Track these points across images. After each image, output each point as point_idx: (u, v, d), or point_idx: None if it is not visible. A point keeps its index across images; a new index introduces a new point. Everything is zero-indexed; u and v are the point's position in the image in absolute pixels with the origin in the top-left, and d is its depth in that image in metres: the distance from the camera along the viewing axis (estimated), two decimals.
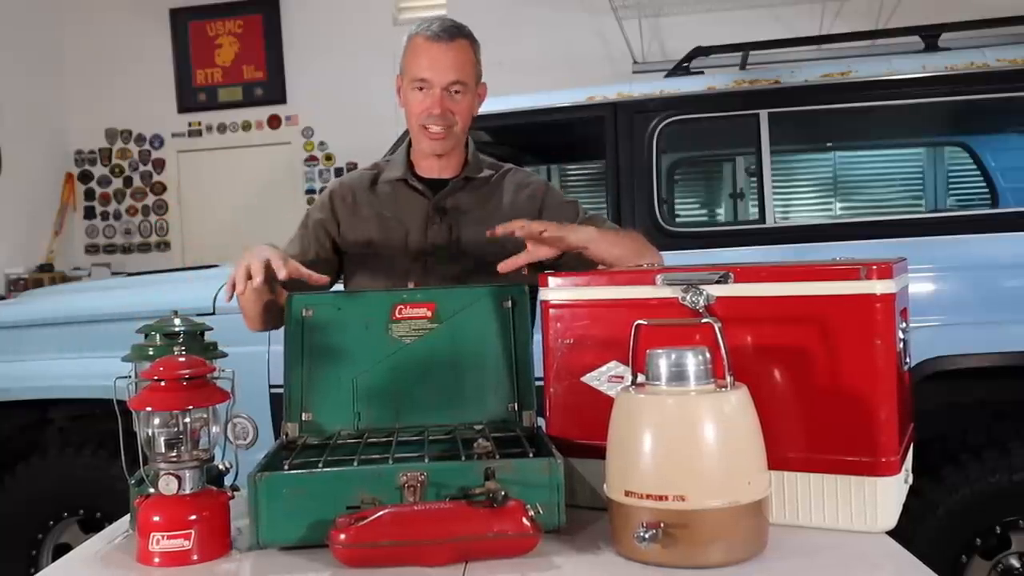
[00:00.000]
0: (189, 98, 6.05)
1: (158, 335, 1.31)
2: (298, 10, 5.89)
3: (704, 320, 1.15)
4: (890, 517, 1.13)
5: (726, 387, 1.06)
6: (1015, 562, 2.29)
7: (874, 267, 1.11)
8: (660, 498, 1.02)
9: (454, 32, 1.62)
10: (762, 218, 2.54)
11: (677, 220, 4.06)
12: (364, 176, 1.76)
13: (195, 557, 1.13)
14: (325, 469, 1.17)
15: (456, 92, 1.61)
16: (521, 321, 1.43)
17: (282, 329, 1.47)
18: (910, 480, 1.23)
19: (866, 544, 1.10)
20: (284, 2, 5.92)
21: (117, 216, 6.20)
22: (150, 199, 6.18)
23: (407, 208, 1.68)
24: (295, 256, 1.71)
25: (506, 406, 1.41)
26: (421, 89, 1.61)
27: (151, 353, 1.28)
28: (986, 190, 3.54)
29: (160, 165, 6.15)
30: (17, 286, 5.27)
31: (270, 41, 5.93)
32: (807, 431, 1.15)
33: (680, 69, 2.79)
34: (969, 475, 2.27)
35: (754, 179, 3.57)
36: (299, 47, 5.89)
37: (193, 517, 1.13)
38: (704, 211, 5.24)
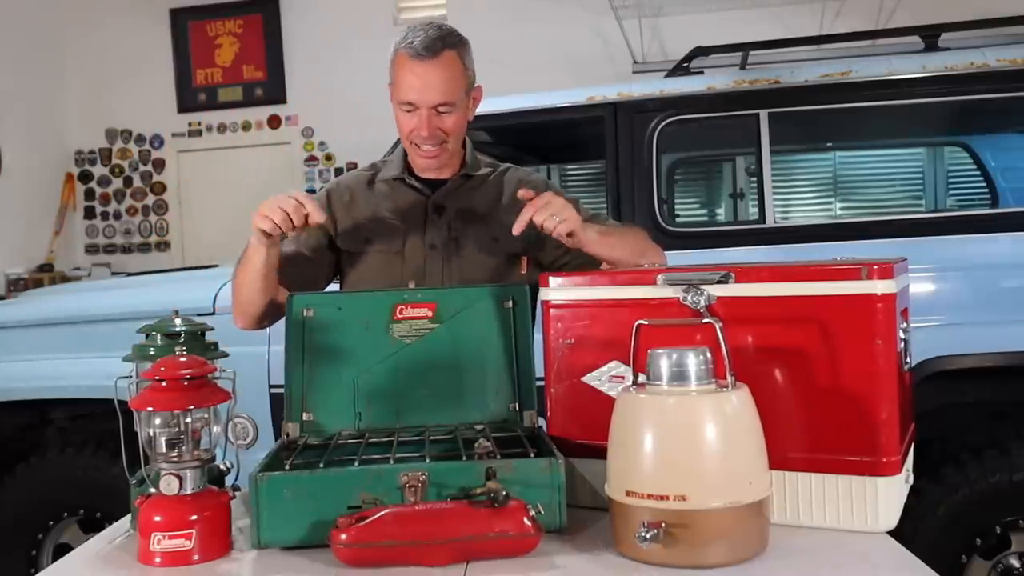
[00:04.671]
0: (189, 98, 6.05)
1: (159, 335, 1.31)
2: (298, 10, 5.89)
3: (705, 320, 1.15)
4: (891, 517, 1.13)
5: (727, 387, 1.06)
6: (1015, 562, 2.29)
7: (875, 267, 1.11)
8: (661, 498, 1.02)
9: (437, 47, 1.54)
10: (762, 218, 2.54)
11: (677, 220, 4.06)
12: (362, 176, 1.75)
13: (196, 557, 1.13)
14: (326, 469, 1.17)
15: (443, 111, 1.57)
16: (522, 321, 1.43)
17: (283, 329, 1.47)
18: (911, 480, 1.23)
19: (867, 544, 1.10)
20: (284, 2, 5.92)
21: (117, 216, 6.21)
22: (150, 199, 6.18)
23: (405, 206, 1.68)
24: (288, 252, 1.71)
25: (507, 406, 1.41)
26: (408, 111, 1.58)
27: (152, 353, 1.28)
28: (986, 190, 3.54)
29: (160, 165, 6.16)
30: (17, 286, 5.28)
31: (270, 41, 5.93)
32: (808, 431, 1.15)
33: (680, 69, 2.80)
34: (969, 475, 2.27)
35: (754, 179, 3.57)
36: (299, 47, 5.90)
37: (194, 517, 1.13)
38: (704, 211, 5.25)
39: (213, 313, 2.33)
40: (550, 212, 1.42)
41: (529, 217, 1.43)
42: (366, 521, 1.06)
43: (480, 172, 1.71)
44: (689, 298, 1.20)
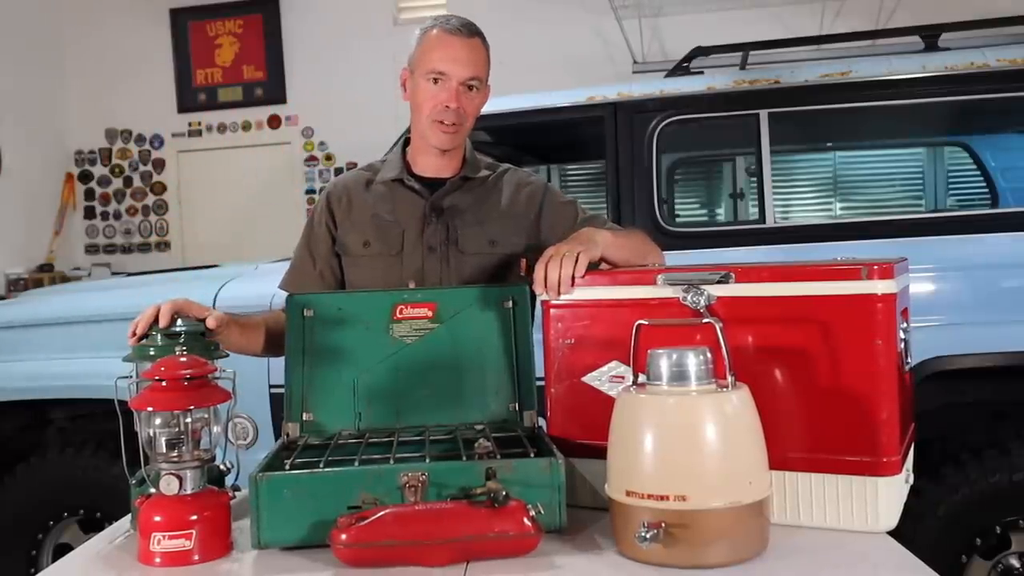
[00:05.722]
0: (189, 98, 6.05)
1: (159, 335, 1.31)
2: (298, 10, 5.89)
3: (705, 320, 1.15)
4: (891, 517, 1.13)
5: (727, 387, 1.06)
6: (1015, 562, 2.29)
7: (875, 267, 1.12)
8: (661, 498, 1.02)
9: (473, 29, 1.61)
10: (762, 218, 2.54)
11: (677, 220, 4.06)
12: (359, 177, 1.74)
13: (196, 557, 1.13)
14: (326, 469, 1.17)
15: (471, 88, 1.61)
16: (522, 321, 1.43)
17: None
18: (911, 480, 1.23)
19: (867, 544, 1.10)
20: (284, 2, 5.92)
21: (117, 216, 6.20)
22: (150, 199, 6.17)
23: (404, 208, 1.67)
24: (301, 267, 1.72)
25: (507, 406, 1.41)
26: (436, 82, 1.59)
27: (152, 353, 1.28)
28: (986, 190, 3.54)
29: (160, 165, 6.15)
30: (17, 286, 5.27)
31: (270, 41, 5.93)
32: (808, 431, 1.15)
33: (680, 69, 2.80)
34: (969, 475, 2.27)
35: (754, 179, 3.57)
36: (299, 47, 5.89)
37: (194, 517, 1.14)
38: (704, 211, 5.24)
39: None
40: (559, 263, 1.31)
41: (544, 276, 1.31)
42: (366, 521, 1.07)
43: (479, 174, 1.71)
44: (689, 298, 1.20)
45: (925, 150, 4.80)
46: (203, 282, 2.81)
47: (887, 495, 1.12)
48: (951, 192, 4.79)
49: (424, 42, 1.62)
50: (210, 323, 1.38)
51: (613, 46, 5.28)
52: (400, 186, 1.69)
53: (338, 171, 5.79)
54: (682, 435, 1.03)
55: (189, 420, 1.16)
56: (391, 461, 1.19)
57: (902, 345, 1.18)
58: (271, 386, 2.41)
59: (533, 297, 1.46)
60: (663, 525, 1.01)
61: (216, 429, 1.20)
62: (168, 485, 1.14)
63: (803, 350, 1.15)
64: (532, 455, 1.20)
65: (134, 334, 1.34)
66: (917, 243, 2.32)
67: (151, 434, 1.17)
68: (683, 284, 1.21)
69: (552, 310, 1.31)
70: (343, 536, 1.06)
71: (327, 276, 1.69)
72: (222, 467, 1.29)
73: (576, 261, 1.31)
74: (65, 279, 5.64)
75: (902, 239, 2.33)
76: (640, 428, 1.05)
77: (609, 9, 5.07)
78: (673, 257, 1.72)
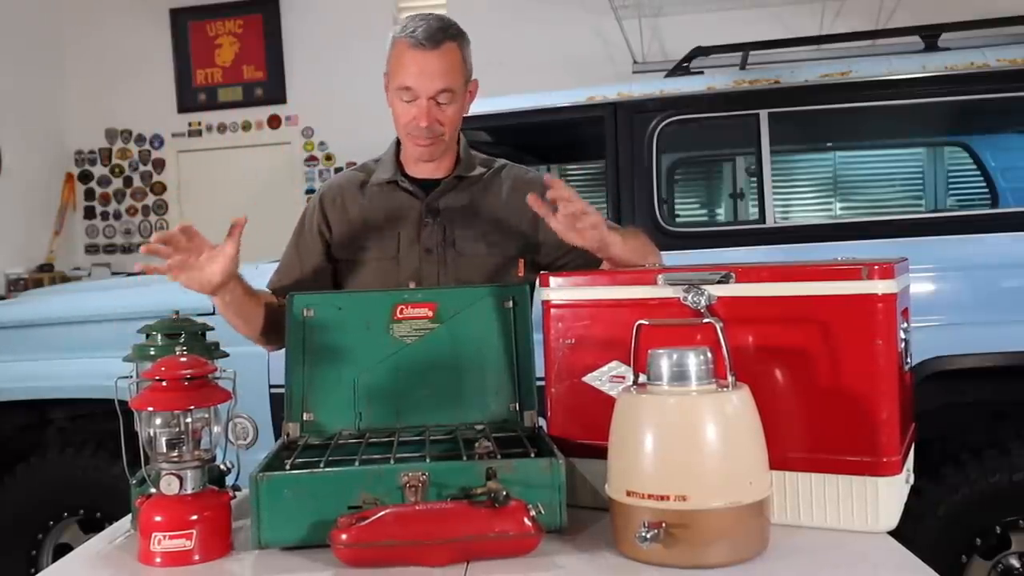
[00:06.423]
0: (189, 98, 6.05)
1: (159, 335, 1.31)
2: (298, 10, 5.89)
3: (705, 320, 1.15)
4: (891, 517, 1.13)
5: (727, 387, 1.06)
6: (1015, 562, 2.29)
7: (876, 267, 1.11)
8: (662, 498, 1.02)
9: (439, 37, 1.53)
10: (762, 218, 2.54)
11: (677, 220, 4.06)
12: (353, 178, 1.72)
13: (196, 557, 1.13)
14: (326, 469, 1.17)
15: (442, 101, 1.56)
16: (522, 321, 1.43)
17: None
18: (911, 480, 1.23)
19: (867, 544, 1.10)
20: (284, 2, 5.92)
21: (117, 216, 6.20)
22: (150, 199, 6.18)
23: (399, 210, 1.66)
24: (288, 266, 1.71)
25: (507, 406, 1.41)
26: (407, 100, 1.56)
27: (152, 353, 1.28)
28: (986, 190, 3.55)
29: (160, 165, 6.15)
30: (17, 286, 5.27)
31: (270, 41, 5.93)
32: (809, 431, 1.15)
33: (680, 69, 2.80)
34: (969, 475, 2.27)
35: (754, 179, 3.57)
36: (299, 47, 5.90)
37: (195, 517, 1.13)
38: (704, 211, 5.24)
39: (213, 313, 2.33)
40: (581, 207, 1.38)
41: (569, 201, 1.37)
42: (366, 521, 1.06)
43: (474, 172, 1.69)
44: (690, 298, 1.20)
45: (925, 150, 4.81)
46: None
47: (887, 495, 1.12)
48: (951, 192, 4.79)
49: (393, 53, 1.57)
50: (237, 220, 1.43)
51: (613, 46, 5.28)
52: (395, 188, 1.67)
53: (338, 171, 5.79)
54: (682, 435, 1.03)
55: (189, 420, 1.16)
56: (391, 461, 1.19)
57: (902, 345, 1.18)
58: (271, 386, 2.41)
59: (533, 296, 1.46)
60: (663, 525, 1.01)
61: (216, 429, 1.20)
62: (168, 485, 1.13)
63: (803, 350, 1.15)
64: (532, 455, 1.20)
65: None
66: (917, 243, 2.32)
67: (151, 434, 1.17)
68: (683, 284, 1.21)
69: (552, 310, 1.31)
70: (343, 536, 1.06)
71: (315, 278, 1.68)
72: (222, 467, 1.29)
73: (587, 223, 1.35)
74: (65, 279, 5.65)
75: (902, 239, 2.33)
76: (640, 428, 1.05)
77: (609, 9, 5.08)
78: (673, 257, 1.72)
